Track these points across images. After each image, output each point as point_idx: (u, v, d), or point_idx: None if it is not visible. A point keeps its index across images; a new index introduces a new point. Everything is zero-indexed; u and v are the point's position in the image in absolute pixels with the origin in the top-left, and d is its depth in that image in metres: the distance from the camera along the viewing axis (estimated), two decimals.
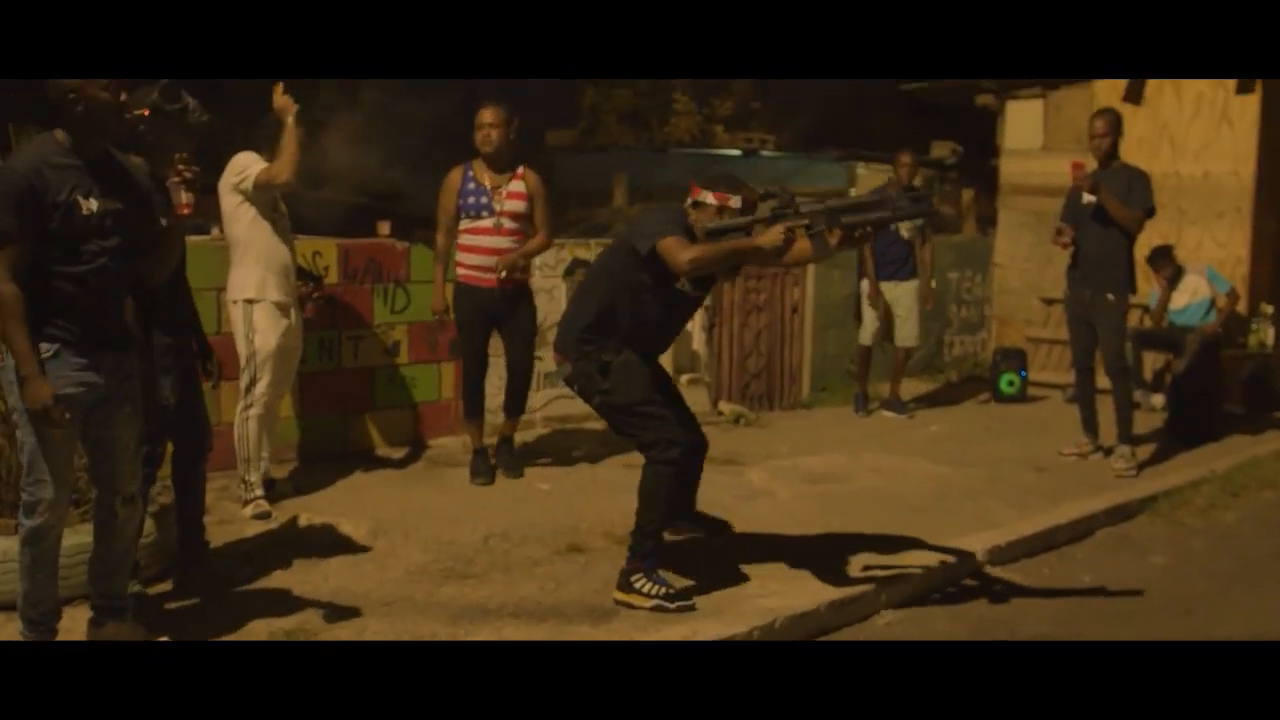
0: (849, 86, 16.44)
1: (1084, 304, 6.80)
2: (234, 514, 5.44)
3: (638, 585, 4.40)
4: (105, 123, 3.57)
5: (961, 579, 5.04)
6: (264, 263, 5.49)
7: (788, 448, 7.23)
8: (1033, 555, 5.42)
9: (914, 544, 5.18)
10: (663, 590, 4.39)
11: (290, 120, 5.29)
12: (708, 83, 20.24)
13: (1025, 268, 10.49)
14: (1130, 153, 6.86)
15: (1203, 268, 8.93)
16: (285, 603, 4.38)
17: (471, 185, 6.10)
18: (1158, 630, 4.50)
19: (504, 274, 6.02)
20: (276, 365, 5.57)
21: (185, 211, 3.73)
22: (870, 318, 8.30)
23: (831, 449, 7.19)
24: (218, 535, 4.99)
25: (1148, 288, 8.61)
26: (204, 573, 4.58)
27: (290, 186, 5.45)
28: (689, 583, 4.59)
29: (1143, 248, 6.96)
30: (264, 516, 5.39)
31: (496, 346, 6.29)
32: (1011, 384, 8.99)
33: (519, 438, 6.59)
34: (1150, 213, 6.67)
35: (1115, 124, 6.72)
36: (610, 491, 5.91)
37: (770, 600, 4.46)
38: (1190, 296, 8.75)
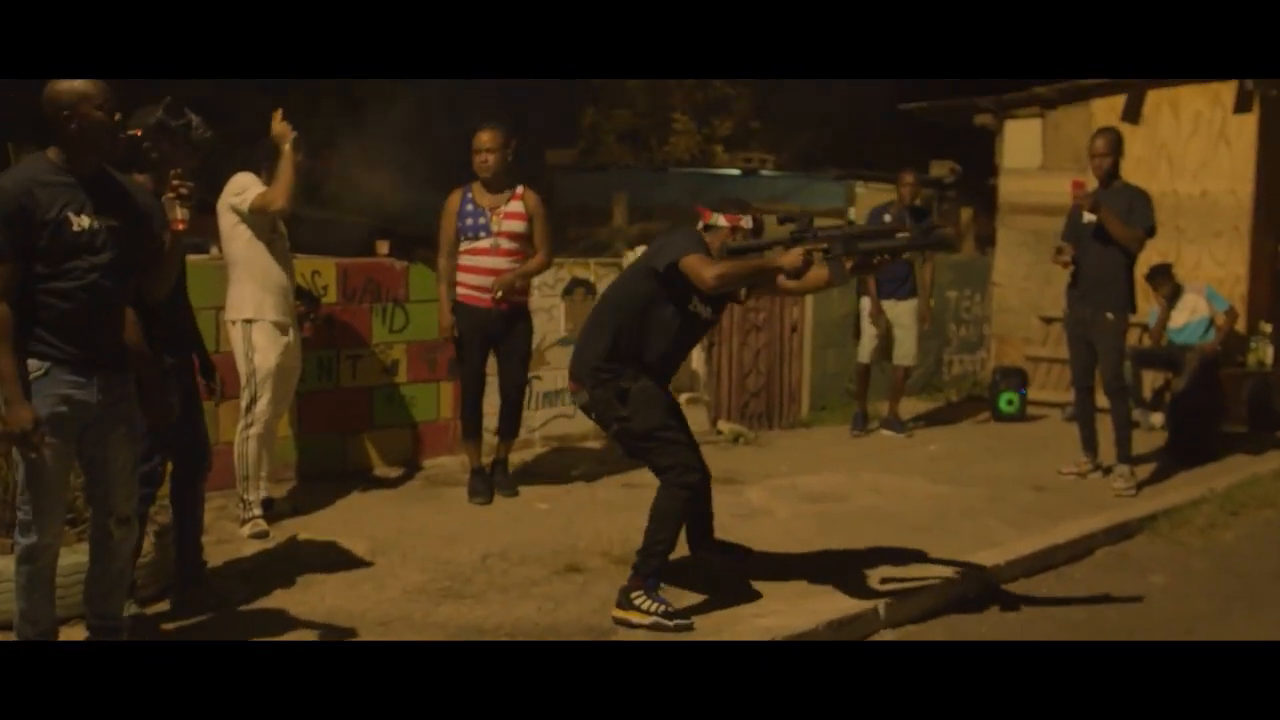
0: (848, 105, 16.50)
1: (1084, 323, 6.80)
2: (232, 533, 5.43)
3: (637, 602, 4.40)
4: (99, 141, 3.57)
5: (961, 598, 5.03)
6: (261, 282, 5.50)
7: (787, 466, 7.22)
8: (1032, 575, 5.41)
9: (913, 564, 5.16)
10: (662, 608, 4.38)
11: (287, 147, 5.32)
12: (707, 102, 20.34)
13: (1024, 286, 10.50)
14: (1128, 172, 6.87)
15: (1201, 286, 8.94)
16: (282, 622, 4.37)
17: (470, 207, 6.12)
18: None
19: (499, 295, 6.03)
20: (276, 384, 5.57)
21: (180, 228, 3.72)
22: (869, 336, 8.30)
23: (830, 468, 7.18)
24: (215, 554, 4.98)
25: (1147, 306, 8.61)
26: (202, 593, 4.56)
27: (286, 213, 5.47)
28: (689, 603, 4.58)
29: (1141, 266, 6.97)
30: (262, 536, 5.38)
31: (495, 365, 6.29)
32: (1010, 403, 8.99)
33: (517, 457, 6.58)
34: (1151, 232, 6.68)
35: (1116, 143, 6.74)
36: (608, 511, 5.90)
37: (768, 620, 4.45)
38: (1189, 315, 8.76)
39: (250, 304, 5.51)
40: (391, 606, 4.57)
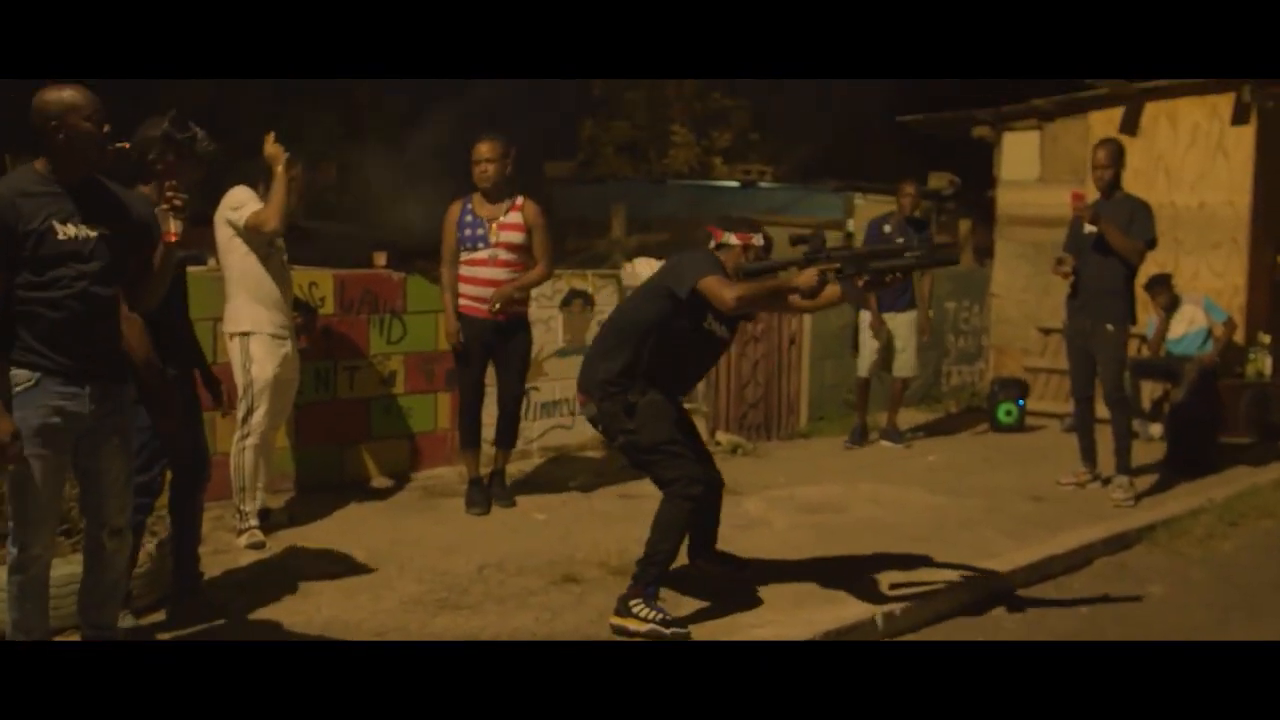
0: (846, 117, 16.55)
1: (1084, 334, 6.80)
2: (228, 543, 5.41)
3: (635, 609, 4.40)
4: (86, 151, 3.57)
5: (959, 609, 5.02)
6: (257, 295, 5.50)
7: (785, 477, 7.22)
8: (1030, 585, 5.40)
9: (911, 574, 5.15)
10: (659, 616, 4.38)
11: (280, 169, 5.33)
12: (706, 114, 20.38)
13: (1022, 298, 10.51)
14: (1126, 183, 6.88)
15: (1199, 297, 8.94)
16: (278, 633, 4.36)
17: (469, 218, 6.12)
18: None
19: (497, 306, 6.03)
20: (274, 395, 5.56)
21: (172, 239, 3.72)
22: (870, 349, 8.29)
23: (829, 479, 7.17)
24: (212, 565, 4.97)
25: (1145, 317, 8.62)
26: (198, 603, 4.55)
27: (279, 233, 5.48)
28: (686, 611, 4.58)
29: (1139, 277, 6.97)
30: (258, 546, 5.37)
31: (494, 376, 6.29)
32: (1009, 414, 8.98)
33: (514, 468, 6.57)
34: (1152, 244, 6.69)
35: (1118, 155, 6.75)
36: (606, 522, 5.89)
37: (765, 630, 4.44)
38: (1187, 326, 8.76)
39: (247, 317, 5.51)
40: (388, 617, 4.56)
